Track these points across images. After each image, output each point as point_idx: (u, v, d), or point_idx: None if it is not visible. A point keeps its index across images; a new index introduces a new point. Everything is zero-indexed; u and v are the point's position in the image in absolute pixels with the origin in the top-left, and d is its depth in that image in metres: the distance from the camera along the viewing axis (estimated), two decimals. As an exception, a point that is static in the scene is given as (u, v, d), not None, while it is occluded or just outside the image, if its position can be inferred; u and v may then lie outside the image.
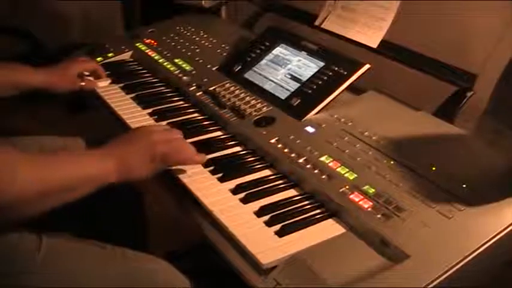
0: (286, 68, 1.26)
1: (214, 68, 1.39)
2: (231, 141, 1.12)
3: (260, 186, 0.97)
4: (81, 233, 1.03)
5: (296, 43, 1.30)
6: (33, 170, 0.81)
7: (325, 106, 1.13)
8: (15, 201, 0.79)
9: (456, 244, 0.79)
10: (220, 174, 1.00)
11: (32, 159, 0.84)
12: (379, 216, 0.85)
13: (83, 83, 1.35)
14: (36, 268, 0.92)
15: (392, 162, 0.96)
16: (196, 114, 1.25)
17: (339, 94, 1.14)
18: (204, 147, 1.07)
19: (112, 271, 0.97)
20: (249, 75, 1.30)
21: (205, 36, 1.58)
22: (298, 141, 1.05)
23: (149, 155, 0.95)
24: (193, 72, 1.39)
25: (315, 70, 1.20)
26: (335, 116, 1.11)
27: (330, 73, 1.17)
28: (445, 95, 1.15)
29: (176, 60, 1.45)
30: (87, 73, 1.39)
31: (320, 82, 1.17)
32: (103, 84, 1.39)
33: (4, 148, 0.80)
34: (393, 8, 1.30)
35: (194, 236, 0.94)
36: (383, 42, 1.29)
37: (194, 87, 1.31)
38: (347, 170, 0.95)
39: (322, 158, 0.99)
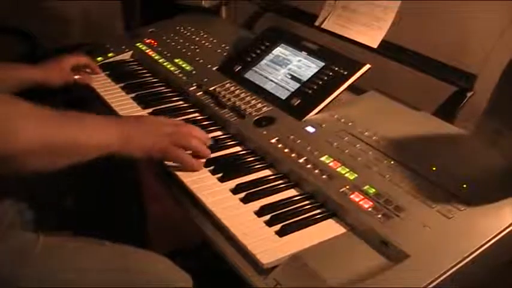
0: (287, 68, 1.26)
1: (214, 68, 1.39)
2: (231, 141, 1.12)
3: (260, 186, 0.97)
4: (80, 233, 1.03)
5: (296, 43, 1.30)
6: (38, 125, 0.83)
7: (325, 106, 1.13)
8: (19, 152, 0.80)
9: (456, 244, 0.79)
10: (220, 174, 1.00)
11: (38, 113, 0.85)
12: (379, 216, 0.85)
13: (77, 76, 1.37)
14: (34, 266, 0.92)
15: (392, 162, 0.96)
16: (196, 114, 1.25)
17: (339, 94, 1.14)
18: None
19: (112, 268, 0.97)
20: (249, 75, 1.30)
21: (205, 36, 1.58)
22: (298, 141, 1.05)
23: (152, 140, 0.96)
24: (194, 72, 1.39)
25: (315, 70, 1.20)
26: (335, 116, 1.11)
27: (330, 73, 1.18)
28: (445, 95, 1.15)
29: (176, 60, 1.45)
30: (87, 70, 1.40)
31: (320, 82, 1.17)
32: (98, 79, 1.39)
33: (10, 100, 0.81)
34: (393, 8, 1.30)
35: (194, 236, 0.94)
36: (383, 42, 1.29)
37: (194, 87, 1.31)
38: (347, 170, 0.95)
39: (323, 158, 0.99)
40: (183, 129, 1.02)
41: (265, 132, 1.09)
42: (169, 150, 0.97)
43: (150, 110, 1.25)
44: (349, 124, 1.08)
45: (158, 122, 1.02)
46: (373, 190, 0.90)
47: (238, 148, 1.11)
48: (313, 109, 1.13)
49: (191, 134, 1.02)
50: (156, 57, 1.50)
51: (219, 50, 1.48)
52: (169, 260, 1.02)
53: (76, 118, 0.91)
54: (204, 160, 1.02)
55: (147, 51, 1.55)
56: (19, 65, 1.29)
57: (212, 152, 1.07)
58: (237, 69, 1.33)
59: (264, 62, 1.31)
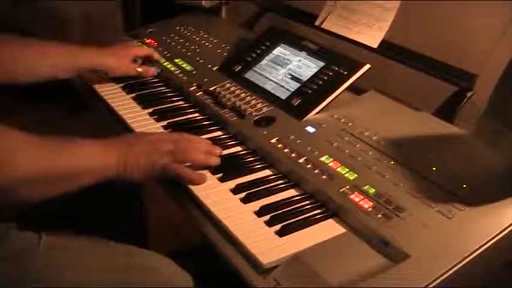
0: (287, 68, 1.26)
1: (214, 68, 1.39)
2: (231, 141, 1.12)
3: (260, 186, 0.97)
4: (80, 233, 1.03)
5: (296, 43, 1.30)
6: (34, 155, 0.82)
7: (325, 106, 1.13)
8: (16, 184, 0.79)
9: (456, 244, 0.79)
10: (220, 174, 1.00)
11: (35, 143, 0.84)
12: (379, 216, 0.85)
13: (140, 69, 1.36)
14: (37, 266, 0.92)
15: (392, 163, 0.96)
16: (196, 114, 1.25)
17: (339, 94, 1.14)
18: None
19: (115, 267, 0.97)
20: (249, 75, 1.30)
21: (205, 36, 1.58)
22: (298, 141, 1.05)
23: (151, 162, 0.94)
24: (194, 72, 1.39)
25: (315, 70, 1.20)
26: (335, 116, 1.11)
27: (330, 73, 1.17)
28: (445, 95, 1.15)
29: (176, 60, 1.45)
30: (140, 61, 1.40)
31: (320, 82, 1.17)
32: (102, 85, 1.38)
33: (5, 131, 0.81)
34: (393, 8, 1.30)
35: (194, 236, 0.94)
36: (383, 43, 1.29)
37: (194, 87, 1.31)
38: (347, 170, 0.95)
39: (323, 158, 0.99)
40: (182, 144, 0.99)
41: (265, 132, 1.10)
42: (169, 168, 0.95)
43: (150, 110, 1.25)
44: (349, 124, 1.08)
45: (156, 140, 0.99)
46: (373, 190, 0.90)
47: (238, 148, 1.11)
48: (313, 109, 1.13)
49: (191, 147, 1.00)
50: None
51: (219, 50, 1.48)
52: (170, 260, 1.03)
53: (72, 145, 0.89)
54: (206, 171, 1.00)
55: (147, 51, 1.55)
56: (81, 48, 1.28)
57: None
58: (237, 69, 1.33)
59: (264, 62, 1.31)
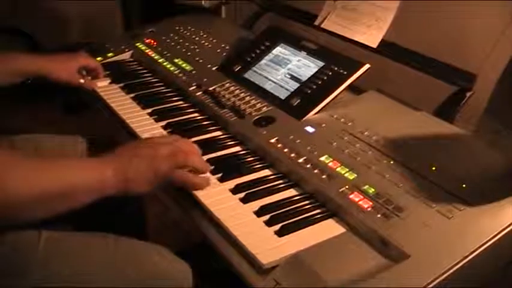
0: (286, 67, 1.25)
1: (214, 68, 1.39)
2: (231, 141, 1.12)
3: (260, 186, 0.97)
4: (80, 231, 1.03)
5: (296, 43, 1.30)
6: (27, 174, 0.80)
7: (325, 106, 1.13)
8: (7, 206, 0.78)
9: (456, 244, 0.79)
10: (220, 174, 1.00)
11: (27, 162, 0.83)
12: (379, 216, 0.85)
13: (82, 81, 1.35)
14: (38, 262, 0.92)
15: (392, 162, 0.96)
16: (196, 114, 1.25)
17: (339, 94, 1.14)
18: (203, 147, 1.07)
19: (115, 261, 0.97)
20: (249, 75, 1.30)
21: (205, 36, 1.58)
22: (298, 141, 1.05)
23: (152, 170, 0.90)
24: (193, 72, 1.39)
25: (315, 70, 1.20)
26: (335, 116, 1.11)
27: (330, 73, 1.17)
28: (445, 95, 1.15)
29: (176, 60, 1.45)
30: (84, 72, 1.38)
31: (320, 82, 1.17)
32: (102, 84, 1.38)
33: None
34: (393, 8, 1.30)
35: (194, 236, 0.94)
36: (383, 42, 1.29)
37: (194, 87, 1.31)
38: (347, 169, 0.95)
39: (322, 158, 0.99)
40: (180, 146, 0.95)
41: (264, 132, 1.09)
42: (173, 175, 0.92)
43: (149, 110, 1.25)
44: (349, 124, 1.07)
45: (153, 146, 0.94)
46: (373, 190, 0.90)
47: (237, 148, 1.11)
48: (312, 109, 1.13)
49: (189, 149, 0.97)
50: (156, 57, 1.50)
51: (218, 50, 1.48)
52: (172, 253, 1.02)
53: (64, 163, 0.88)
54: (208, 174, 0.99)
55: (146, 51, 1.55)
56: (20, 54, 1.27)
57: (212, 152, 1.07)
58: (236, 69, 1.33)
59: (263, 61, 1.31)
